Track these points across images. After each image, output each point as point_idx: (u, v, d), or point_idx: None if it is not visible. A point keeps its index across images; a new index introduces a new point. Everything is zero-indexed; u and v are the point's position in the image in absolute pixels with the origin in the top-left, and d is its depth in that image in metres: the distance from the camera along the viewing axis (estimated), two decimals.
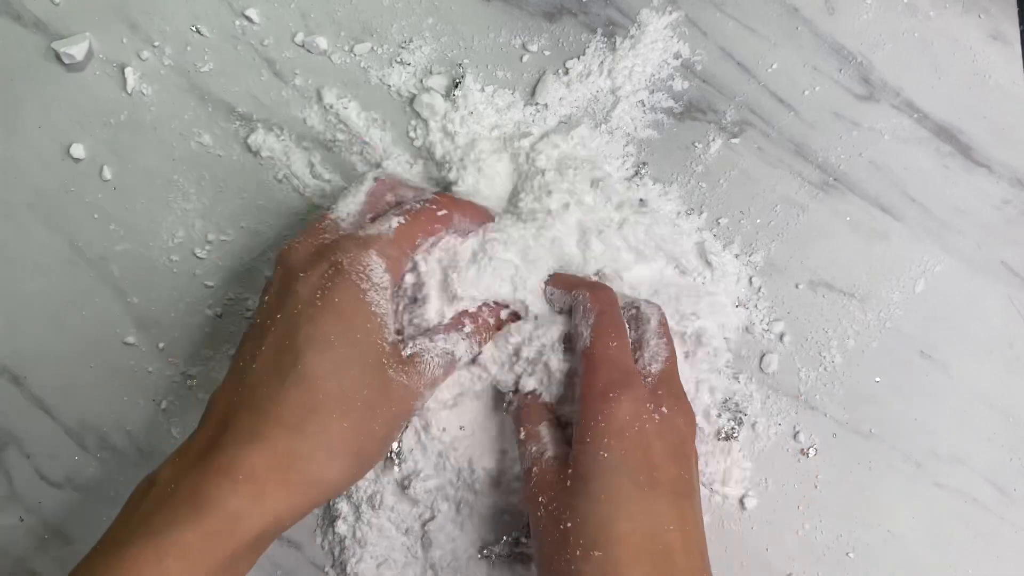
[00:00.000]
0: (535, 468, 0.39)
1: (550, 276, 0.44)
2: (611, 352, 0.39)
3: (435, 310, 0.42)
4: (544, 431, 0.40)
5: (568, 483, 0.37)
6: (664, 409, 0.38)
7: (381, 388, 0.38)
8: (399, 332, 0.41)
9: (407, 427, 0.44)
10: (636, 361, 0.40)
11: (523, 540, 0.44)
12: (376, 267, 0.38)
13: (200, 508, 0.34)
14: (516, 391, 0.43)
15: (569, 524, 0.37)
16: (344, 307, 0.38)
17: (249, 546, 0.35)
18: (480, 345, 0.43)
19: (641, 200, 0.47)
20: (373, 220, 0.42)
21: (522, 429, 0.41)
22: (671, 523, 0.37)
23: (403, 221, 0.40)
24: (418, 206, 0.41)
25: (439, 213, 0.42)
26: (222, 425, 0.37)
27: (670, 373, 0.41)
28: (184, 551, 0.33)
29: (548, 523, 0.38)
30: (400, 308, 0.43)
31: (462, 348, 0.41)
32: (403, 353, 0.39)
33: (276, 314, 0.38)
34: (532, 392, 0.42)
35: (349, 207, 0.42)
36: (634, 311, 0.42)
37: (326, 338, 0.37)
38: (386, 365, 0.38)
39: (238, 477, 0.35)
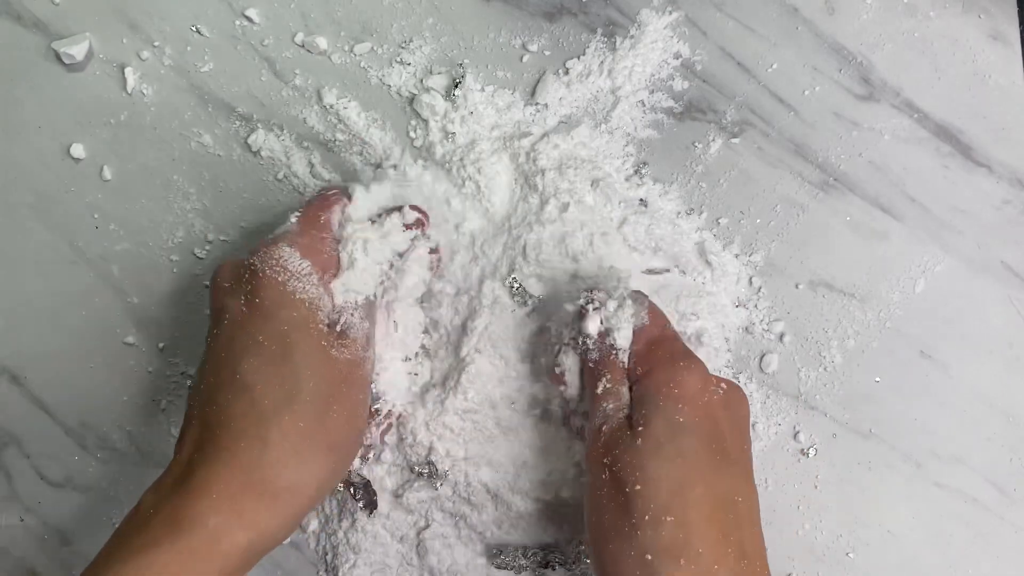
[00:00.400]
0: (605, 426, 0.38)
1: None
2: (670, 331, 0.40)
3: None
4: (623, 391, 0.39)
5: (639, 442, 0.36)
6: (723, 385, 0.38)
7: (327, 372, 0.38)
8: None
9: (378, 404, 0.44)
10: None
11: (536, 553, 0.44)
12: (290, 256, 0.38)
13: (179, 528, 0.34)
14: (592, 345, 0.40)
15: (638, 487, 0.35)
16: (267, 304, 0.38)
17: (237, 563, 0.35)
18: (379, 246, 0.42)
19: (641, 200, 0.47)
20: None
21: (601, 383, 0.39)
22: (740, 494, 0.36)
23: (299, 212, 0.41)
24: (311, 197, 0.43)
25: (329, 193, 0.43)
26: (194, 446, 0.37)
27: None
28: (164, 570, 0.33)
29: (612, 487, 0.36)
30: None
31: (361, 268, 0.41)
32: (337, 328, 0.39)
33: (214, 330, 0.39)
34: (613, 346, 0.39)
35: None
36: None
37: (256, 341, 0.37)
38: (327, 347, 0.38)
39: (213, 495, 0.35)
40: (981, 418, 0.46)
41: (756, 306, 0.47)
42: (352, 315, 0.40)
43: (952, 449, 0.46)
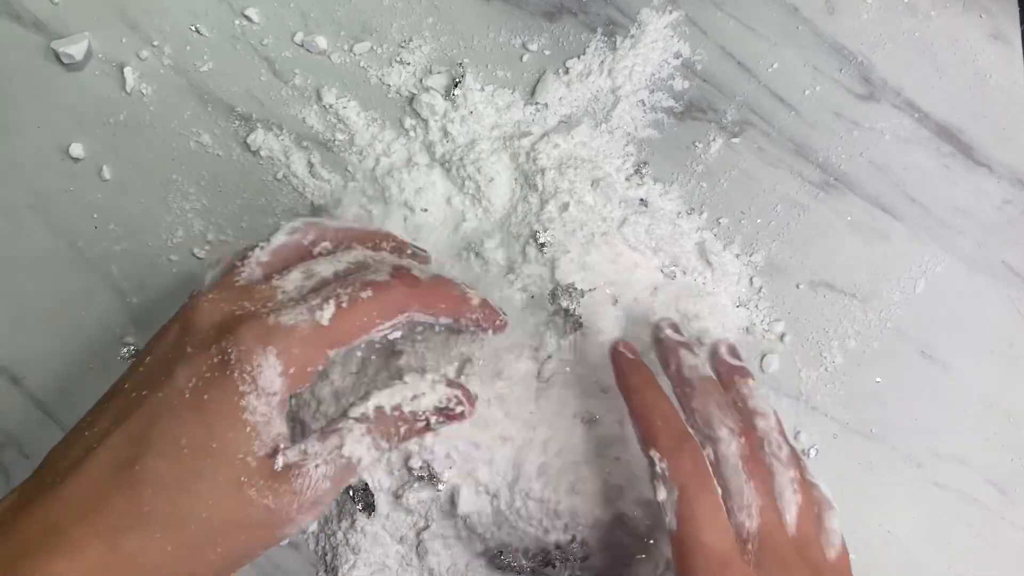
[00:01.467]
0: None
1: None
2: (703, 537, 0.33)
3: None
4: None
5: None
6: None
7: (232, 511, 0.30)
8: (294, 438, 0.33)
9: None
10: (729, 510, 0.34)
11: (537, 554, 0.44)
12: (268, 370, 0.31)
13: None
14: None
15: None
16: (211, 409, 0.31)
17: None
18: (395, 438, 0.34)
19: (641, 200, 0.46)
20: (314, 290, 0.34)
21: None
22: None
23: (343, 306, 0.32)
24: (365, 293, 0.33)
25: (394, 299, 0.34)
26: (42, 499, 0.30)
27: (769, 526, 0.34)
28: None
29: None
30: (312, 410, 0.39)
31: (364, 446, 0.33)
32: (275, 466, 0.31)
33: (145, 385, 0.32)
34: None
35: (274, 253, 0.35)
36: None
37: (177, 442, 0.30)
38: (245, 484, 0.30)
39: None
40: (981, 418, 0.46)
41: (756, 306, 0.47)
42: (308, 462, 0.32)
43: (952, 449, 0.45)
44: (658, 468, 0.34)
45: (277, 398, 0.31)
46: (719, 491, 0.34)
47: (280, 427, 0.32)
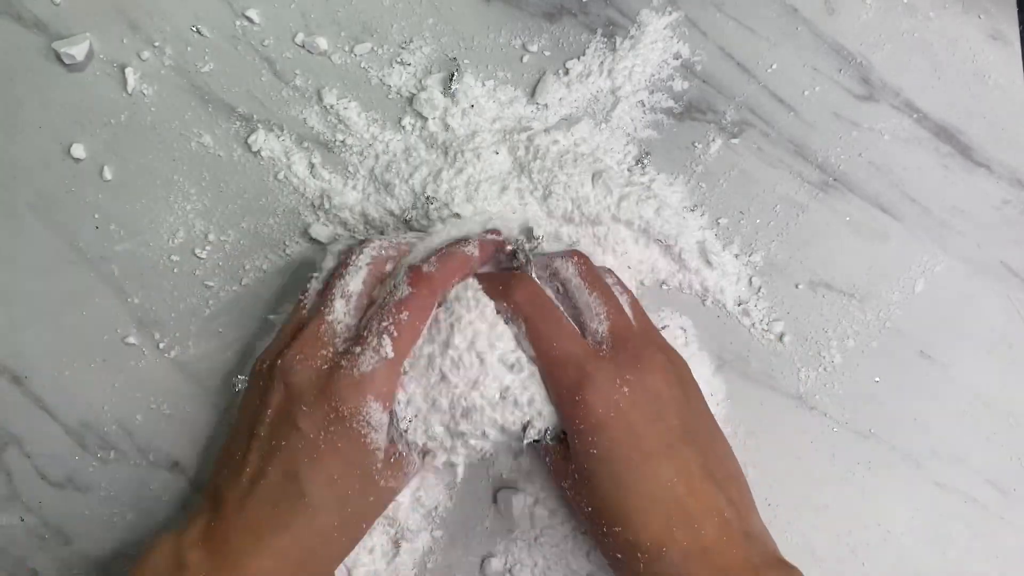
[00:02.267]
0: (548, 458, 0.42)
1: (475, 276, 0.42)
2: (555, 352, 0.39)
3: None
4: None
5: (576, 476, 0.39)
6: (629, 377, 0.38)
7: (372, 498, 0.40)
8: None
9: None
10: (582, 331, 0.40)
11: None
12: (375, 412, 0.38)
13: None
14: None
15: (589, 508, 0.39)
16: (347, 452, 0.38)
17: None
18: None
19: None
20: (358, 310, 0.41)
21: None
22: (673, 476, 0.38)
23: (395, 335, 0.39)
24: (403, 315, 0.39)
25: (424, 304, 0.40)
26: (227, 548, 0.37)
27: (618, 326, 0.40)
28: None
29: (575, 504, 0.40)
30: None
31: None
32: (391, 459, 0.40)
33: (276, 438, 0.39)
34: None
35: (346, 302, 0.41)
36: (553, 270, 0.41)
37: (330, 477, 0.38)
38: (378, 479, 0.39)
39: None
40: (981, 418, 0.46)
41: (756, 306, 0.47)
42: (414, 452, 0.41)
43: (952, 449, 0.46)
44: (502, 308, 0.40)
45: (385, 421, 0.39)
46: (561, 310, 0.40)
47: (387, 432, 0.39)
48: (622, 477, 0.37)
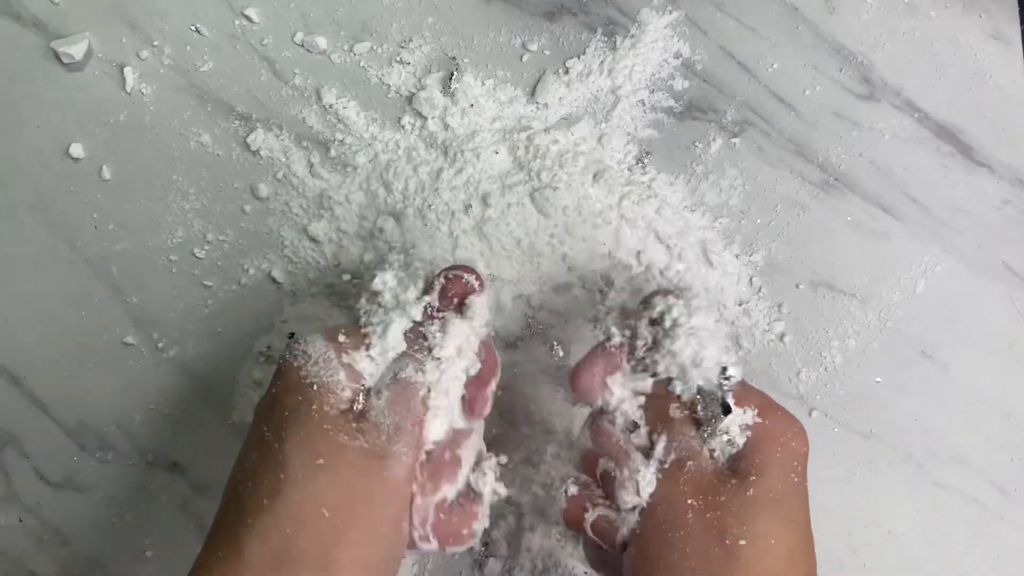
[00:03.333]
0: (692, 462, 0.36)
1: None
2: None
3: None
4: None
5: (751, 493, 0.34)
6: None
7: (330, 461, 0.34)
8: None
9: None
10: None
11: None
12: (313, 342, 0.36)
13: None
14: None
15: (743, 542, 0.33)
16: (278, 392, 0.35)
17: None
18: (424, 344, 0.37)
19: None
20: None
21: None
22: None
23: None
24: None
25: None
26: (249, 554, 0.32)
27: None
28: None
29: (702, 532, 0.34)
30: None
31: (410, 366, 0.37)
32: (354, 410, 0.36)
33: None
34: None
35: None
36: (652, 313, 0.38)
37: (260, 432, 0.35)
38: (333, 431, 0.34)
39: None
40: (981, 418, 0.46)
41: (756, 306, 0.47)
42: (372, 397, 0.36)
43: (952, 449, 0.46)
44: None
45: (332, 356, 0.36)
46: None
47: (349, 382, 0.36)
48: (804, 529, 0.34)
